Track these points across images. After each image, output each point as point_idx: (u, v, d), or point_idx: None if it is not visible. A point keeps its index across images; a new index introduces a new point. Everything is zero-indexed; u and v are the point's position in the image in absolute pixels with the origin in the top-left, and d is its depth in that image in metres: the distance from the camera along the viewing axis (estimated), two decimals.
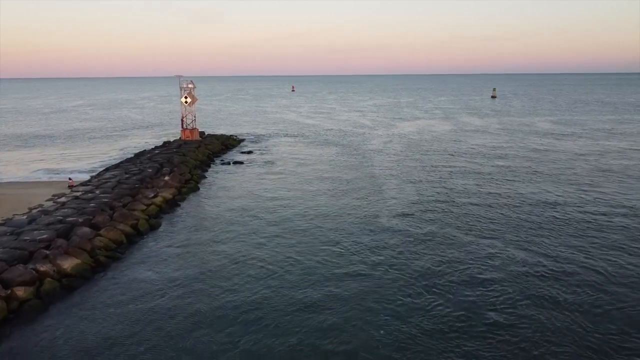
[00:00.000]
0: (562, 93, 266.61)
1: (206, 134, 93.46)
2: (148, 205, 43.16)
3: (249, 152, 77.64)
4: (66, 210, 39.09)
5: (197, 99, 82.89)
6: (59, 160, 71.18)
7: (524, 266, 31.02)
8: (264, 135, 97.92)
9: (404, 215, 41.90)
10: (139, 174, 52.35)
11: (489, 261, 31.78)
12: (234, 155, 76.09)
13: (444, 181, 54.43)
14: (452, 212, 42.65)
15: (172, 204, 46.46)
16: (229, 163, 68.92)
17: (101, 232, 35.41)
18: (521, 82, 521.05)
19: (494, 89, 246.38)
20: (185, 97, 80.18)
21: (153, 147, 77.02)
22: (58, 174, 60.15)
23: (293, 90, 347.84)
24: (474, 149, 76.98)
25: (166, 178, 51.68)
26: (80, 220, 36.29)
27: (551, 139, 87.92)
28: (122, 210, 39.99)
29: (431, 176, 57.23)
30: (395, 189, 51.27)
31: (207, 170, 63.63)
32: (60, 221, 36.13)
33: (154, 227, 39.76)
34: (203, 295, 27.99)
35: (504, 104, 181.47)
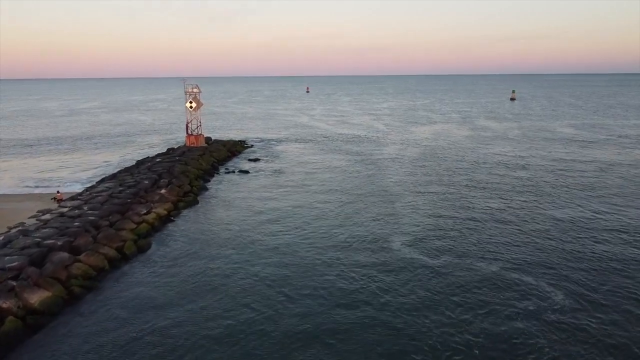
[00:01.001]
0: (582, 95, 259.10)
1: (214, 139, 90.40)
2: (139, 224, 39.78)
3: (256, 160, 74.16)
4: (47, 230, 35.85)
5: (202, 104, 79.69)
6: (58, 168, 68.39)
7: (562, 310, 26.66)
8: (273, 141, 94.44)
9: (418, 239, 37.84)
10: (134, 186, 49.09)
11: (518, 302, 27.48)
12: (241, 163, 72.68)
13: (463, 197, 50.19)
14: (473, 236, 38.40)
15: (166, 221, 43.10)
16: (233, 172, 65.52)
17: (81, 257, 32.05)
18: (538, 82, 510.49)
19: (513, 91, 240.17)
20: (190, 102, 77.04)
21: (156, 154, 73.87)
22: (49, 186, 57.18)
23: (308, 92, 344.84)
24: (494, 158, 72.53)
25: (162, 191, 48.36)
26: (59, 243, 32.98)
27: (575, 146, 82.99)
28: (108, 230, 36.65)
29: (449, 190, 53.08)
30: (409, 206, 47.23)
31: (209, 181, 60.25)
32: (37, 244, 32.87)
33: (142, 249, 36.33)
34: (185, 340, 24.38)
35: (523, 107, 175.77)
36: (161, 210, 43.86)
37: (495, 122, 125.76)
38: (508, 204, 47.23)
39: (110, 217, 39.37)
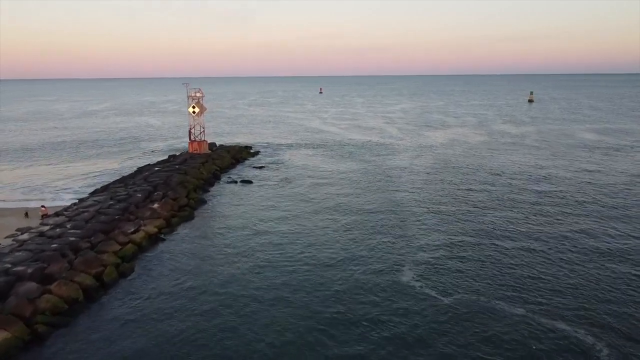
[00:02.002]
0: (602, 96, 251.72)
1: (220, 144, 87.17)
2: (124, 245, 36.40)
3: (261, 168, 70.65)
4: (21, 253, 32.61)
5: (206, 109, 76.41)
6: (53, 176, 65.35)
7: None
8: (282, 146, 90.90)
9: (430, 269, 33.76)
10: (125, 200, 45.78)
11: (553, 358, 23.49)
12: (245, 170, 69.22)
13: (481, 217, 45.70)
14: (493, 267, 34.11)
15: (156, 240, 39.65)
16: (235, 182, 62.01)
17: (52, 287, 28.69)
18: (555, 83, 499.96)
19: (531, 93, 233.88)
20: (193, 107, 73.79)
21: (157, 162, 70.67)
22: (42, 199, 54.24)
23: (321, 92, 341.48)
24: (513, 167, 68.12)
25: (155, 205, 44.98)
26: (30, 270, 29.65)
27: (600, 154, 78.18)
28: (88, 253, 33.27)
29: (465, 207, 48.93)
30: (421, 227, 43.05)
31: (209, 191, 56.87)
32: (5, 272, 29.60)
33: (124, 275, 32.93)
34: None
35: (542, 110, 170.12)
36: (151, 227, 40.45)
37: (513, 126, 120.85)
38: (532, 225, 42.83)
39: (92, 238, 36.01)
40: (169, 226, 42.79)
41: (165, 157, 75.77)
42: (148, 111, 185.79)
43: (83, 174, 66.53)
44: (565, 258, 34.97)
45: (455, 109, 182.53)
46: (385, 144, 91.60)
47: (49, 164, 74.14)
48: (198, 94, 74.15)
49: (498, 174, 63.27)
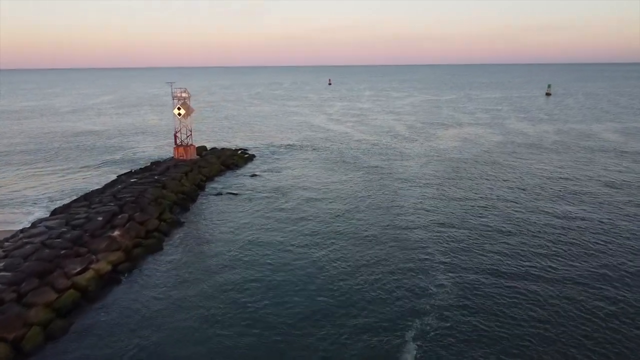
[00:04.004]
0: (621, 89, 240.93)
1: (211, 147, 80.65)
2: (63, 292, 29.89)
3: (254, 176, 63.94)
4: None
5: (193, 110, 69.65)
6: (21, 190, 58.78)
7: None
8: (280, 148, 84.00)
9: (441, 333, 26.80)
10: (80, 226, 39.24)
11: None
12: (235, 179, 62.54)
13: (502, 247, 38.59)
14: (523, 331, 27.24)
15: (109, 281, 33.11)
16: (221, 194, 55.44)
17: None
18: (570, 73, 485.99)
19: (549, 86, 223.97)
20: (179, 109, 67.04)
21: (137, 169, 64.08)
22: None
23: (330, 84, 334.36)
24: (532, 179, 60.59)
25: (115, 233, 38.41)
26: None
27: (629, 161, 70.41)
28: (10, 309, 26.76)
29: (482, 234, 41.81)
30: (430, 262, 36.15)
31: (188, 209, 50.24)
32: None
33: (53, 337, 26.41)
34: None
35: (559, 105, 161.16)
36: (104, 264, 33.92)
37: (529, 124, 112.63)
38: (566, 262, 35.48)
39: (23, 285, 29.47)
40: (130, 260, 36.19)
41: (149, 163, 69.30)
42: (148, 105, 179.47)
43: (55, 186, 60.03)
44: (619, 315, 27.95)
45: (467, 103, 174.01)
46: (392, 147, 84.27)
47: (21, 173, 67.71)
48: (184, 94, 67.38)
49: (519, 189, 55.82)
